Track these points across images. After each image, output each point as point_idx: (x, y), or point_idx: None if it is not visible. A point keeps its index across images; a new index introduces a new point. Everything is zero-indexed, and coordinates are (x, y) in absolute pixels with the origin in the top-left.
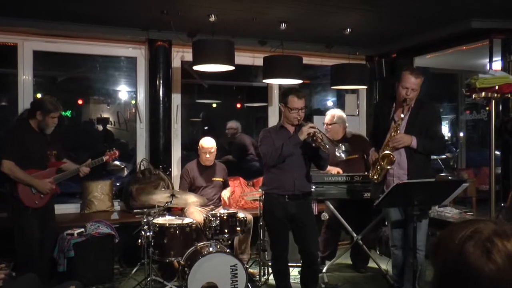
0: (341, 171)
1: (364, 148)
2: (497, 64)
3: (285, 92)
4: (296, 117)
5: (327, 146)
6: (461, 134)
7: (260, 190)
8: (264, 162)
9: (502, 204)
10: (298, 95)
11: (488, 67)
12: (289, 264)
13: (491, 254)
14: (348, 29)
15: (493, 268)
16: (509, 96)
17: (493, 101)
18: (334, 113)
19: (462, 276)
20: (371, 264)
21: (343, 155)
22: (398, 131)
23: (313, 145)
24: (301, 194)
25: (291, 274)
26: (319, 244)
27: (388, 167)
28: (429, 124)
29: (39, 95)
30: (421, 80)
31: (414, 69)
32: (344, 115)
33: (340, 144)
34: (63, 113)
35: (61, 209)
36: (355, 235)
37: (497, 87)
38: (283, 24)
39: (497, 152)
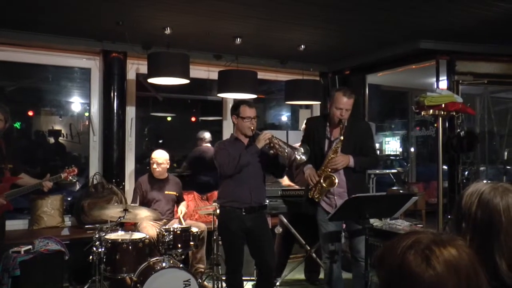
0: (292, 184)
1: None
2: (443, 83)
3: (235, 104)
4: (249, 126)
5: (286, 151)
6: (412, 150)
7: (213, 203)
8: (220, 173)
9: (449, 216)
10: (249, 104)
11: (435, 86)
12: (243, 278)
13: (430, 261)
14: (302, 46)
15: (432, 274)
16: (454, 113)
17: (440, 118)
18: None
19: (405, 283)
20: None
21: (304, 157)
22: (338, 153)
23: (271, 152)
24: (257, 207)
25: None
26: (275, 256)
27: (330, 188)
28: (362, 141)
29: None
30: (353, 100)
31: (346, 90)
32: None
33: (299, 147)
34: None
35: (7, 225)
36: (308, 248)
37: (443, 105)
38: (238, 39)
39: (444, 167)
